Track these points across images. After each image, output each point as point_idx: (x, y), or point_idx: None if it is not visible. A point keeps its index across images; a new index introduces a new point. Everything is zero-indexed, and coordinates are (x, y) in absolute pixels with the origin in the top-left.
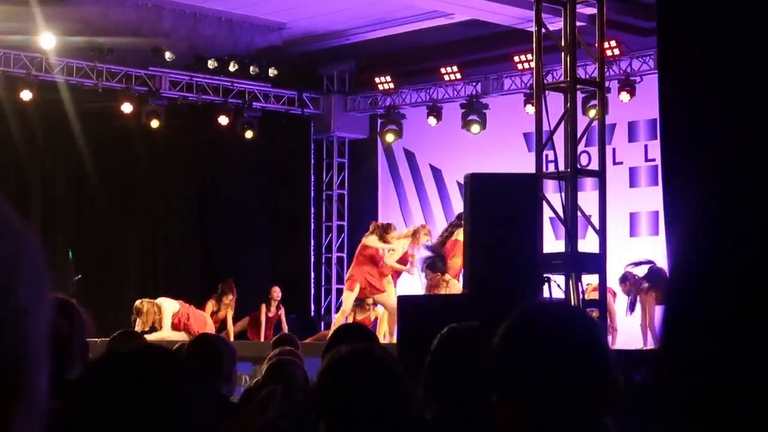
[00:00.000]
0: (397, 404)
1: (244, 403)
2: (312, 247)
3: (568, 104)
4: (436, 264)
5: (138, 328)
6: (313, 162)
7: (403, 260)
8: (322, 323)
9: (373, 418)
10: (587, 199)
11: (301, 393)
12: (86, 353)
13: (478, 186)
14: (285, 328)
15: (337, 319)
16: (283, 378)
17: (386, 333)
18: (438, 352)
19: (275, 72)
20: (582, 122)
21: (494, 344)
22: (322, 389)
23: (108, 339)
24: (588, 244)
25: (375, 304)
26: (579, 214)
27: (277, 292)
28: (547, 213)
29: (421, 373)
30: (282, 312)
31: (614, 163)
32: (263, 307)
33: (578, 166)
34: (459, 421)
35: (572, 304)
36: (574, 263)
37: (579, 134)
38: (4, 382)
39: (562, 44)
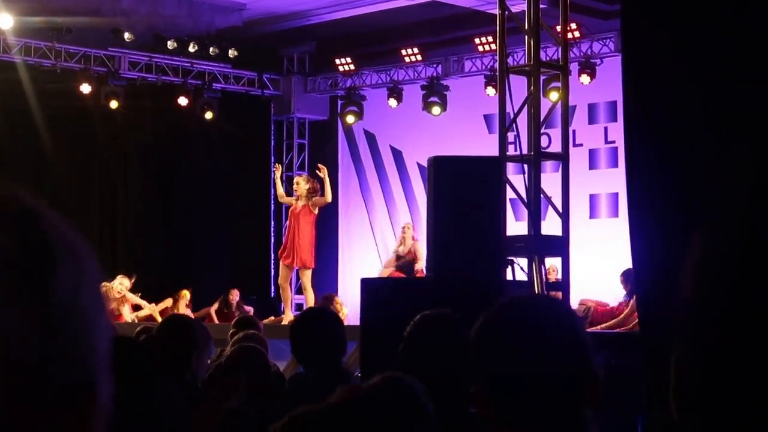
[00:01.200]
0: None
1: (209, 389)
2: (272, 228)
3: (532, 87)
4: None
5: None
6: (273, 143)
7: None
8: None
9: None
10: (547, 181)
11: (265, 380)
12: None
13: (441, 169)
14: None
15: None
16: (248, 365)
17: None
18: (410, 339)
19: (235, 53)
20: (543, 104)
21: (473, 336)
22: None
23: None
24: (549, 224)
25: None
26: (542, 196)
27: (234, 295)
28: (508, 194)
29: (391, 356)
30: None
31: (574, 145)
32: (219, 303)
33: (541, 149)
34: (434, 408)
35: (543, 293)
36: (538, 246)
37: (542, 117)
38: (83, 393)
39: (525, 27)
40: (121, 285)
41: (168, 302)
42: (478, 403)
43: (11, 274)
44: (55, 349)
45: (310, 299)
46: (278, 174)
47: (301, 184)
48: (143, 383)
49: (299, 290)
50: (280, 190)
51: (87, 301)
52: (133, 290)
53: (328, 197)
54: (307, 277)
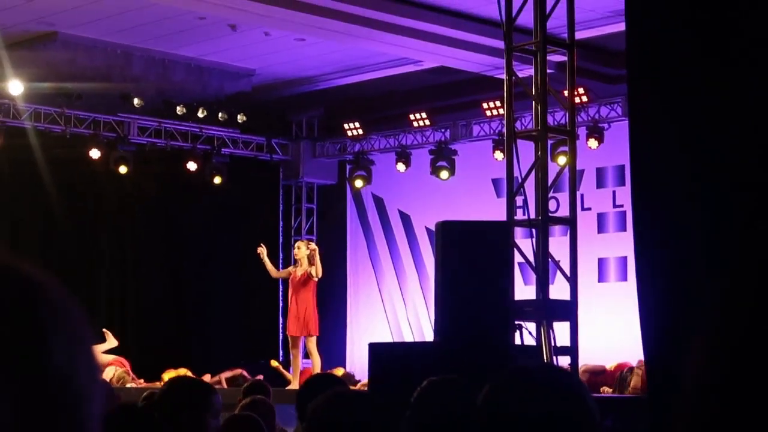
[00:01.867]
0: None
1: None
2: (281, 292)
3: (539, 152)
4: None
5: None
6: (281, 207)
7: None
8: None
9: None
10: (556, 244)
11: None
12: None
13: (448, 233)
14: None
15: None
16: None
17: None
18: (418, 405)
19: (244, 118)
20: (551, 168)
21: (479, 404)
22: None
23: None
24: (557, 289)
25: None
26: (549, 260)
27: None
28: (516, 258)
29: (398, 422)
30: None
31: (582, 209)
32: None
33: (548, 213)
34: None
35: (552, 357)
36: (546, 310)
37: (549, 181)
38: None
39: (533, 92)
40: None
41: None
42: None
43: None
44: (52, 423)
45: (316, 364)
46: (264, 254)
47: (302, 248)
48: None
49: (305, 356)
50: (271, 267)
51: (82, 370)
52: (139, 359)
53: (319, 272)
54: (312, 342)
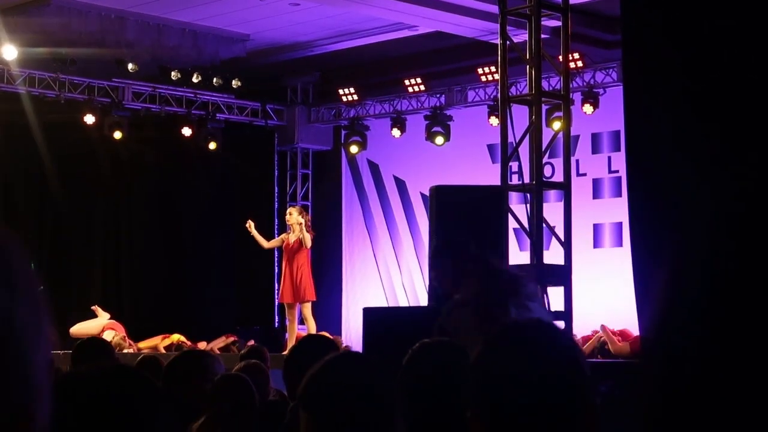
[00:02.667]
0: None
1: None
2: (276, 257)
3: (533, 117)
4: None
5: None
6: (276, 173)
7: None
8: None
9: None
10: (551, 210)
11: (251, 410)
12: (51, 367)
13: (443, 198)
14: None
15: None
16: (235, 393)
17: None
18: (410, 367)
19: (239, 83)
20: (546, 134)
21: (472, 360)
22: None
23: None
24: (552, 255)
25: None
26: (544, 225)
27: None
28: (510, 224)
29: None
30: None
31: (578, 174)
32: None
33: (543, 178)
34: None
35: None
36: (540, 275)
37: (544, 146)
38: (19, 413)
39: (527, 57)
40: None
41: (157, 340)
42: (473, 427)
43: None
44: None
45: (311, 329)
46: (252, 228)
47: (294, 214)
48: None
49: (301, 321)
50: (261, 239)
51: (22, 319)
52: (135, 324)
53: (307, 243)
54: (307, 308)
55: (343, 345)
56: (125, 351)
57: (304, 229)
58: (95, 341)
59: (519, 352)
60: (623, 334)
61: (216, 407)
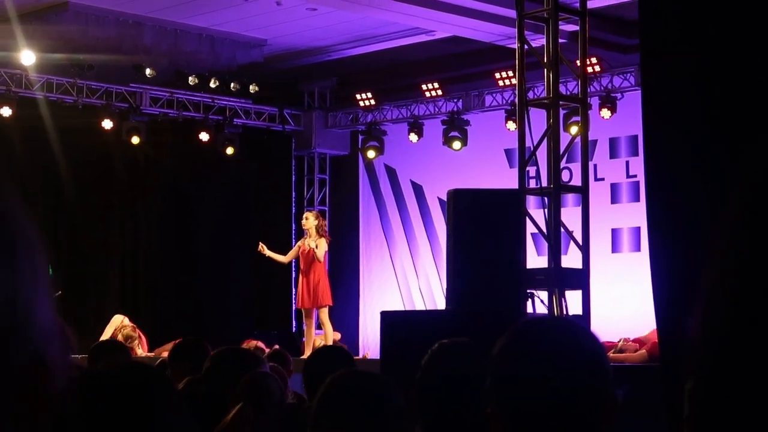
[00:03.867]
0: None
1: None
2: (294, 263)
3: (551, 120)
4: None
5: None
6: (294, 178)
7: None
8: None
9: None
10: (569, 215)
11: (276, 409)
12: (72, 370)
13: (461, 202)
14: None
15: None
16: (258, 393)
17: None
18: (428, 367)
19: (256, 88)
20: (563, 138)
21: (493, 355)
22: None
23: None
24: (571, 259)
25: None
26: (562, 229)
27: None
28: (528, 229)
29: (408, 388)
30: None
31: (596, 179)
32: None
33: (560, 182)
34: None
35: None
36: (558, 279)
37: (561, 150)
38: (33, 369)
39: (545, 61)
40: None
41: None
42: (492, 424)
43: None
44: None
45: (328, 334)
46: (265, 250)
47: (310, 219)
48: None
49: (318, 326)
50: (279, 257)
51: (21, 278)
52: (152, 330)
53: (320, 257)
54: (324, 313)
55: (362, 353)
56: (138, 352)
57: (317, 243)
58: (111, 342)
59: (540, 349)
60: (639, 342)
61: (243, 405)
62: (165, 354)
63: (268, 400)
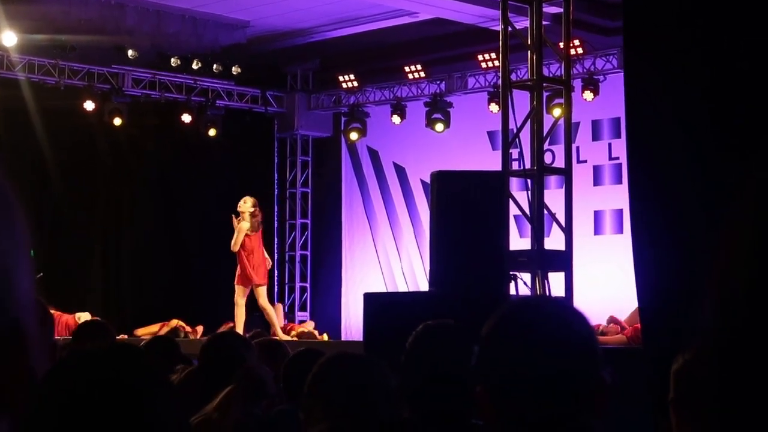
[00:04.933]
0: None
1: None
2: (276, 245)
3: (534, 102)
4: None
5: None
6: (276, 160)
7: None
8: (285, 320)
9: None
10: (552, 197)
11: (264, 391)
12: (54, 352)
13: (444, 184)
14: None
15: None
16: (252, 384)
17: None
18: (413, 349)
19: (239, 70)
20: (546, 120)
21: (482, 336)
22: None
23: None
24: (553, 241)
25: None
26: (545, 212)
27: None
28: (511, 210)
29: (392, 370)
30: None
31: (578, 161)
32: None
33: (543, 164)
34: (436, 418)
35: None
36: (541, 261)
37: (544, 132)
38: (12, 330)
39: (528, 43)
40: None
41: (155, 327)
42: (482, 404)
43: None
44: None
45: (272, 316)
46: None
47: (248, 202)
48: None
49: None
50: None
51: (2, 239)
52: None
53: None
54: (262, 295)
55: (344, 335)
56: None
57: (241, 228)
58: (96, 323)
59: (531, 329)
60: (621, 325)
61: (232, 388)
62: (147, 336)
63: (261, 390)
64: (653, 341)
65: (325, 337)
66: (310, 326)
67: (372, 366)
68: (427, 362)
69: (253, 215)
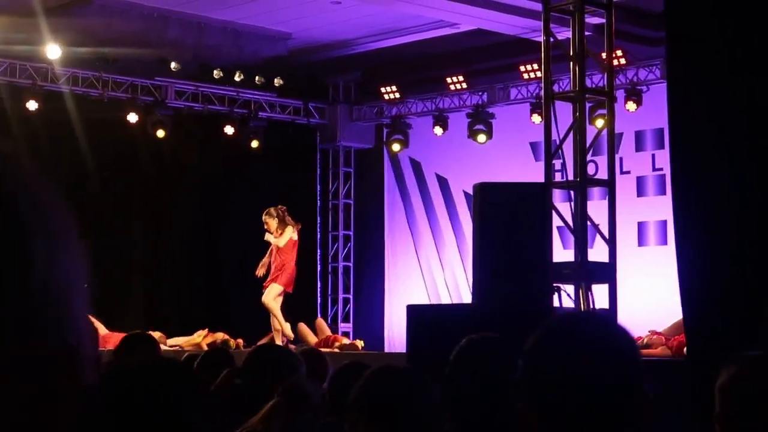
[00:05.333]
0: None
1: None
2: (318, 257)
3: (577, 113)
4: None
5: None
6: (319, 172)
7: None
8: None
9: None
10: (595, 209)
11: (309, 404)
12: (98, 362)
13: (486, 195)
14: None
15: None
16: (297, 397)
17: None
18: (457, 363)
19: (281, 82)
20: (589, 131)
21: (526, 350)
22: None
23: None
24: (597, 253)
25: None
26: (588, 223)
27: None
28: (555, 222)
29: (437, 382)
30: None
31: (621, 172)
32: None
33: (587, 175)
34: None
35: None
36: (584, 273)
37: (587, 144)
38: (67, 356)
39: (571, 53)
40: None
41: (197, 338)
42: (525, 419)
43: None
44: (36, 320)
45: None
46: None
47: (271, 214)
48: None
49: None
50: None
51: (62, 274)
52: (177, 323)
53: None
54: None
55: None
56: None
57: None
58: (140, 336)
59: (574, 344)
60: (664, 337)
61: (277, 401)
62: (186, 346)
63: (306, 403)
64: (698, 351)
65: (359, 343)
66: (345, 340)
67: (416, 379)
68: (470, 375)
69: (282, 218)
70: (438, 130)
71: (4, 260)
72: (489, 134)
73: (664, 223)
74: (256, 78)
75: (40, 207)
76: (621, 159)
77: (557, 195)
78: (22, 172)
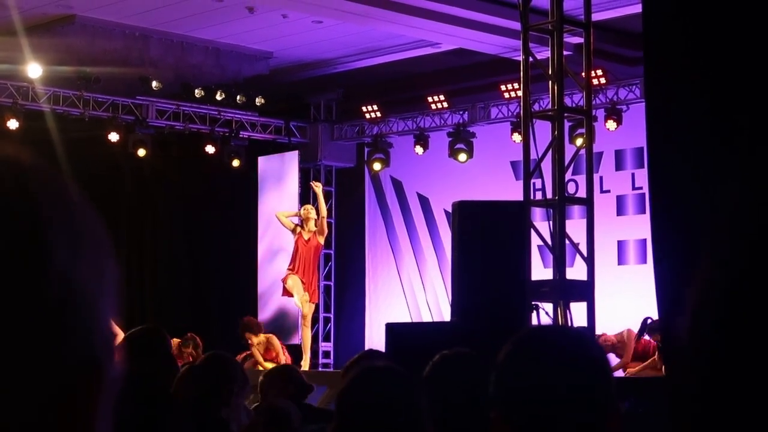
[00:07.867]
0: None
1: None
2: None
3: (556, 132)
4: None
5: None
6: (300, 191)
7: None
8: (310, 351)
9: None
10: (575, 227)
11: (288, 424)
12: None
13: (465, 214)
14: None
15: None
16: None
17: None
18: (430, 378)
19: (262, 101)
20: (569, 150)
21: (498, 361)
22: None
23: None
24: (577, 272)
25: None
26: (567, 241)
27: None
28: (534, 241)
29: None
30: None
31: (601, 191)
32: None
33: (566, 194)
34: None
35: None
36: (563, 291)
37: (566, 162)
38: (88, 370)
39: (549, 72)
40: None
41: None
42: (496, 429)
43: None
44: (55, 319)
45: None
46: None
47: (312, 212)
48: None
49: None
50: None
51: (85, 276)
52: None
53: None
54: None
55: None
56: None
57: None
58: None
59: (545, 356)
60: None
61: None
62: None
63: (287, 425)
64: (676, 373)
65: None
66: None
67: (400, 382)
68: (443, 391)
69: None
70: (419, 149)
71: (20, 245)
72: (470, 153)
73: (643, 242)
74: (238, 97)
75: (62, 206)
76: (601, 178)
77: (538, 214)
78: (45, 175)
